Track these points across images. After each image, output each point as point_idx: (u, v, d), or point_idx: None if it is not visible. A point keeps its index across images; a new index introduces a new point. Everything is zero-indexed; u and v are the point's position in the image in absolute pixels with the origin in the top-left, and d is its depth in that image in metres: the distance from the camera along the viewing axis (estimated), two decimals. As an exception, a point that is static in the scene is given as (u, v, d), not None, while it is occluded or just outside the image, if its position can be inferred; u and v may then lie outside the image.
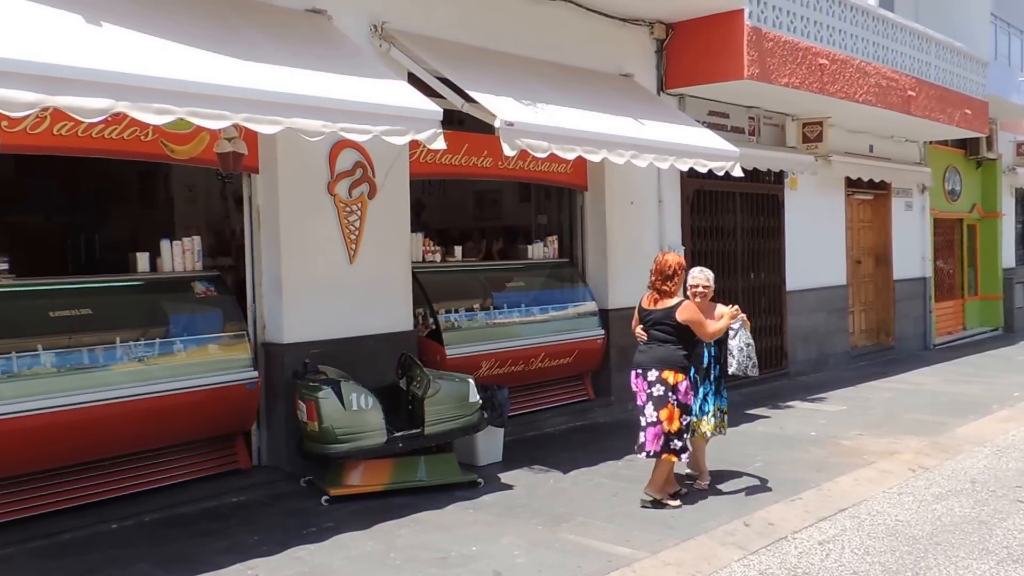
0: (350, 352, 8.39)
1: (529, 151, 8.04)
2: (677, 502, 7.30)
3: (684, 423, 7.15)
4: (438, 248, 10.01)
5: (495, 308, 10.22)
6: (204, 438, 7.84)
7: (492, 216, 13.61)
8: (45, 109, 5.52)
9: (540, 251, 11.06)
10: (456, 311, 9.78)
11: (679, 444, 7.16)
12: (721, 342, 7.61)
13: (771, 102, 13.06)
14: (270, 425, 8.27)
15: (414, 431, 7.66)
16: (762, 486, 7.91)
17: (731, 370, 7.55)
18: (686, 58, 11.59)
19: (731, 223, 13.25)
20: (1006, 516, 7.20)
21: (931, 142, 18.00)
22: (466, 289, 10.19)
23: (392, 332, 8.83)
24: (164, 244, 7.93)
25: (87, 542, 6.54)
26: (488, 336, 9.92)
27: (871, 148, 16.30)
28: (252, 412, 8.04)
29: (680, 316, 7.12)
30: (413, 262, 9.33)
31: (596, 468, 8.53)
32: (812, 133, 14.13)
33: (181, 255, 7.96)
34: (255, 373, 7.92)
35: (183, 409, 7.46)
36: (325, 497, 7.46)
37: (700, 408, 7.64)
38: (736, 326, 7.44)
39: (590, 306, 11.04)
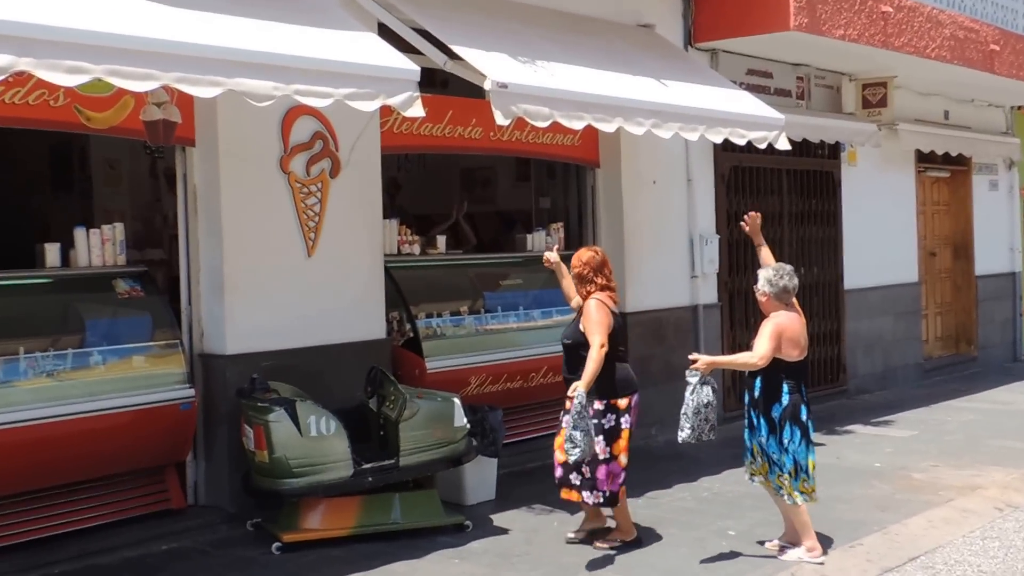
0: (308, 365, 8.36)
1: (527, 119, 7.99)
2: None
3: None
4: (417, 238, 9.97)
5: (487, 311, 10.17)
6: (127, 471, 7.79)
7: (483, 199, 13.55)
8: (-72, 67, 5.48)
9: (542, 241, 11.01)
10: (439, 315, 9.75)
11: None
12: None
13: (824, 58, 13.02)
14: (209, 455, 8.23)
15: (387, 462, 7.62)
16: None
17: (681, 437, 7.37)
18: (719, 5, 11.56)
19: (776, 207, 13.22)
20: (1113, 565, 7.18)
21: (1020, 107, 17.98)
22: (451, 288, 10.14)
23: (360, 340, 8.80)
24: (79, 233, 7.88)
25: (-17, 599, 6.51)
26: (478, 345, 9.88)
27: (946, 114, 16.28)
28: (187, 439, 8.00)
29: None
30: (386, 255, 9.30)
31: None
32: (874, 96, 14.10)
33: (100, 246, 7.91)
34: (191, 391, 7.88)
35: (102, 435, 7.41)
36: (277, 544, 7.42)
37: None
38: (694, 380, 7.28)
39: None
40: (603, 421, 7.40)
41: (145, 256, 9.51)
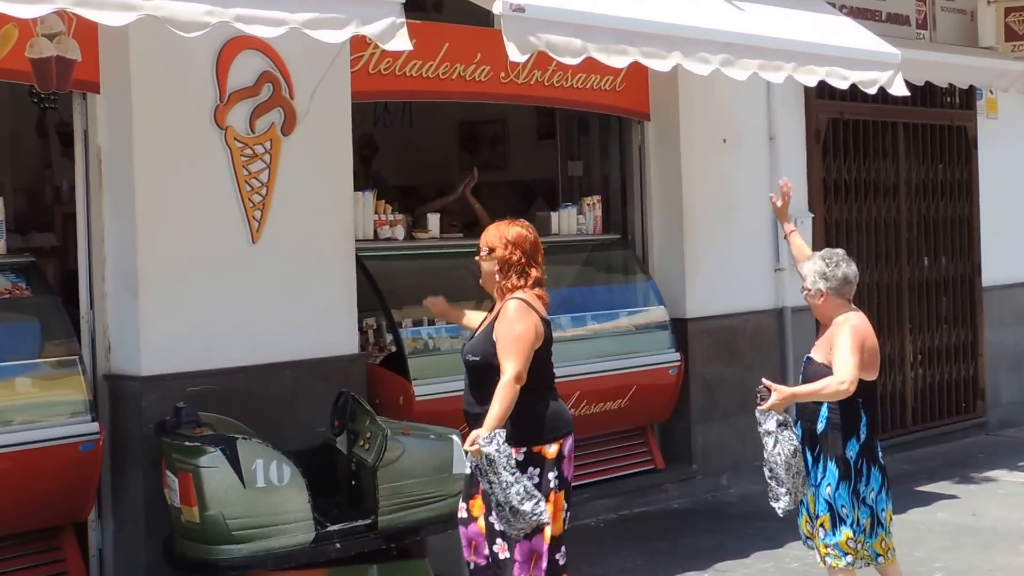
0: (253, 391, 8.35)
1: (551, 54, 7.98)
2: None
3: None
4: (400, 217, 9.94)
5: (496, 317, 10.15)
6: (8, 535, 7.74)
7: (491, 163, 13.54)
8: None
9: (572, 221, 10.99)
10: (431, 322, 9.71)
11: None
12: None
13: (955, -28, 13.02)
14: (119, 513, 8.21)
15: (360, 523, 7.59)
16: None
17: (780, 508, 7.05)
18: (814, -102, 11.55)
19: (889, 174, 13.21)
20: None
21: None
22: (447, 285, 10.08)
23: (323, 357, 8.77)
24: (-58, 212, 7.89)
25: None
26: (484, 364, 9.86)
27: (1122, 49, 16.22)
28: (88, 491, 7.94)
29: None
30: (358, 240, 9.28)
31: (666, 584, 8.52)
32: (1021, 25, 14.05)
33: (-31, 229, 7.93)
34: (93, 425, 7.83)
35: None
36: (212, 633, 7.43)
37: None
38: (771, 424, 6.90)
39: (656, 313, 10.97)
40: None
41: (31, 243, 9.51)
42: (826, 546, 7.13)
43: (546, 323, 6.85)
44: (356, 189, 9.29)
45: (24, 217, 10.30)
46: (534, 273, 6.83)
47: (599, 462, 10.81)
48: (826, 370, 7.06)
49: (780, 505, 6.87)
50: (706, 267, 11.27)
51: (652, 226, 11.34)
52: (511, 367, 6.52)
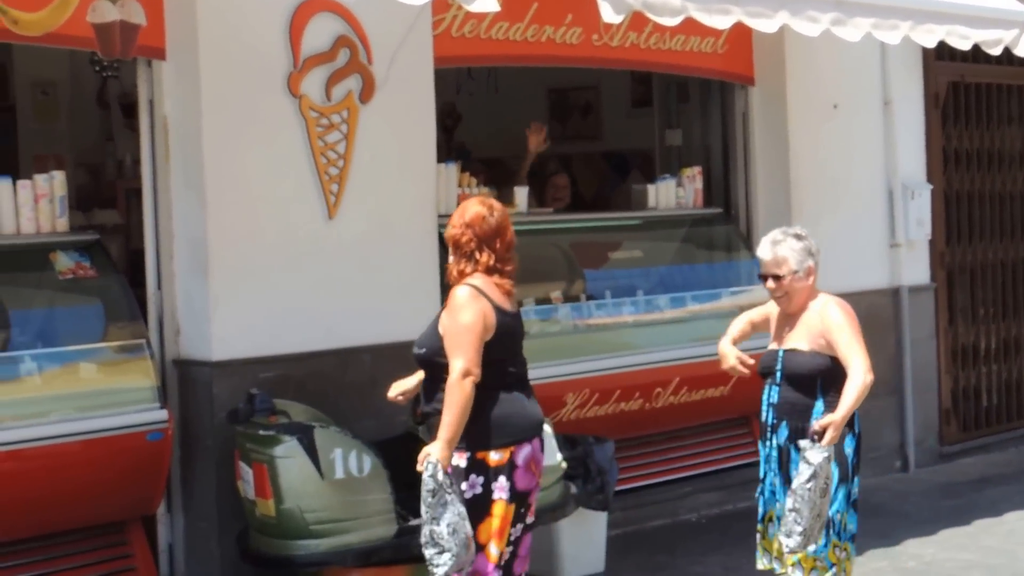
0: (330, 377, 8.42)
1: (649, 15, 7.92)
2: None
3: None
4: (485, 191, 9.96)
5: (590, 298, 10.15)
6: (73, 529, 7.84)
7: (584, 133, 13.53)
8: None
9: (670, 195, 10.96)
10: (519, 303, 9.73)
11: None
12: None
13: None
14: (189, 506, 8.29)
15: (445, 517, 7.63)
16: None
17: (788, 546, 6.75)
18: None
19: (1016, 141, 13.13)
20: None
21: None
22: (537, 264, 10.10)
23: (404, 341, 8.70)
24: (0, 186, 7.92)
25: None
26: (577, 348, 9.85)
27: None
28: (157, 483, 8.04)
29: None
30: (441, 215, 9.27)
31: (773, 585, 8.49)
32: None
33: (31, 205, 7.93)
34: (162, 413, 7.93)
35: (35, 477, 7.47)
36: (288, 634, 7.49)
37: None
38: (818, 459, 6.55)
39: (762, 293, 10.93)
40: (464, 486, 6.45)
41: (94, 220, 9.57)
42: (815, 559, 6.93)
43: (504, 313, 6.59)
44: (438, 161, 9.33)
45: (86, 193, 10.37)
46: (484, 259, 6.53)
47: (700, 453, 10.83)
48: (822, 360, 6.99)
49: (790, 543, 6.68)
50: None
51: (757, 199, 11.31)
52: (458, 364, 6.29)
